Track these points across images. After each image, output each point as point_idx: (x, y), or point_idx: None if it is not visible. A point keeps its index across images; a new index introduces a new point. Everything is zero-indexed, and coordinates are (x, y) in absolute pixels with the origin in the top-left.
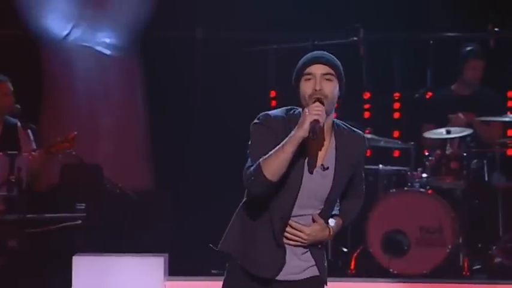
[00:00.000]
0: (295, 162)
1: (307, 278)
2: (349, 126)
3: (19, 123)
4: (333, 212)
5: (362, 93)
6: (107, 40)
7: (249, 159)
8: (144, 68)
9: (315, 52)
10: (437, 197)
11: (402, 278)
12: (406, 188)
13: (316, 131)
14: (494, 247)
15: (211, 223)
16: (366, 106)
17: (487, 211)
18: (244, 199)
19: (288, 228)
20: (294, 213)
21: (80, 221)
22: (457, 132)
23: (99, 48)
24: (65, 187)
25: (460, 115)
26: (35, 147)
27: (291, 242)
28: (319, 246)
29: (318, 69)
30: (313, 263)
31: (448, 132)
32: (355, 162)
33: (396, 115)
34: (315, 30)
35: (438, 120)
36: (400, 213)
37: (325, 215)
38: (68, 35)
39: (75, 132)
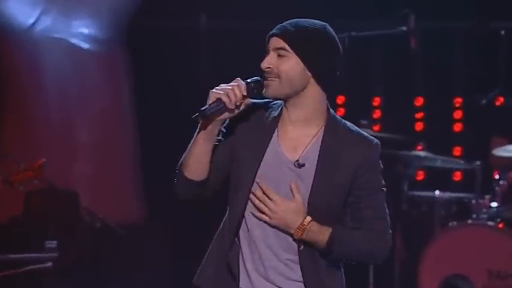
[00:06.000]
0: (253, 149)
1: None
2: (357, 128)
3: None
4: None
5: (413, 99)
6: (85, 30)
7: None
8: (132, 66)
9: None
10: (509, 232)
11: None
12: (470, 221)
13: (206, 113)
14: None
15: None
16: (418, 115)
17: None
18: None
19: (257, 192)
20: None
21: (50, 263)
22: None
23: (74, 40)
24: (31, 220)
25: None
26: None
27: (256, 213)
28: (301, 247)
29: (271, 43)
30: (300, 278)
31: None
32: (353, 172)
33: (457, 127)
34: (351, 17)
35: (511, 133)
36: (462, 253)
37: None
38: (34, 23)
39: (44, 159)
